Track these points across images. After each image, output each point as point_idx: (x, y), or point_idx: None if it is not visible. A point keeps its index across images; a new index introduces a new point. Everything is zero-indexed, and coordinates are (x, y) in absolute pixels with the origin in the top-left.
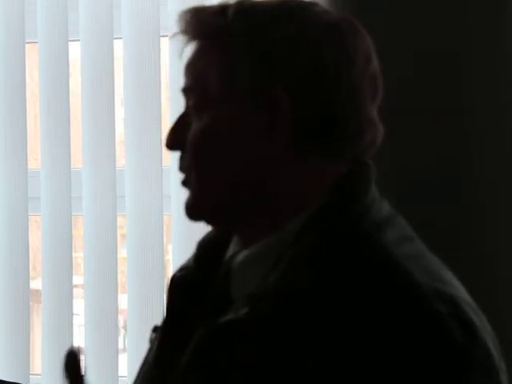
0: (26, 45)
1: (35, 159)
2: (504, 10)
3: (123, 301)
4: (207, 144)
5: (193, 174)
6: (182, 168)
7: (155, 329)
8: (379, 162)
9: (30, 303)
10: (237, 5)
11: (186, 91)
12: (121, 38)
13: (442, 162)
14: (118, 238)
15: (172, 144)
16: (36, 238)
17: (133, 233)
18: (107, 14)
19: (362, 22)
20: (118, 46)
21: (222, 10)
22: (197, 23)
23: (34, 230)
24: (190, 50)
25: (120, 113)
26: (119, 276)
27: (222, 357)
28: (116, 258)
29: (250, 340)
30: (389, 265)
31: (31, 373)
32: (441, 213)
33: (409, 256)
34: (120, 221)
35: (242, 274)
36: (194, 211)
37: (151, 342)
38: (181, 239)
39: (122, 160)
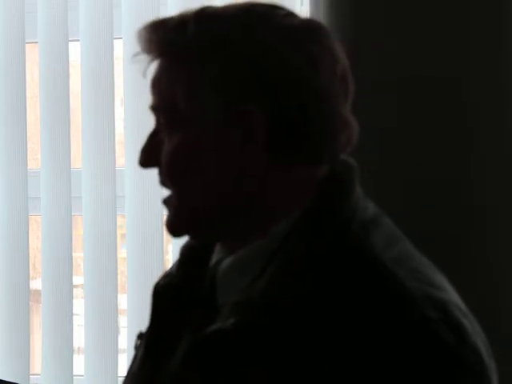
0: (26, 45)
1: (35, 159)
2: (504, 14)
3: (123, 301)
4: (181, 163)
5: (170, 192)
6: (161, 183)
7: (140, 336)
8: (379, 164)
9: (30, 303)
10: (196, 18)
11: (154, 110)
12: (121, 38)
13: (443, 164)
14: (118, 237)
15: (145, 162)
16: (36, 238)
17: (133, 233)
18: (107, 14)
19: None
20: (118, 46)
21: (181, 23)
22: (157, 41)
23: (33, 230)
24: (154, 66)
25: (120, 113)
26: (119, 276)
27: (211, 366)
28: (116, 258)
29: (238, 350)
30: (379, 271)
31: (31, 373)
32: (441, 214)
33: (397, 259)
34: (120, 221)
35: (228, 280)
36: (175, 228)
37: (136, 348)
38: (180, 239)
39: (121, 160)
